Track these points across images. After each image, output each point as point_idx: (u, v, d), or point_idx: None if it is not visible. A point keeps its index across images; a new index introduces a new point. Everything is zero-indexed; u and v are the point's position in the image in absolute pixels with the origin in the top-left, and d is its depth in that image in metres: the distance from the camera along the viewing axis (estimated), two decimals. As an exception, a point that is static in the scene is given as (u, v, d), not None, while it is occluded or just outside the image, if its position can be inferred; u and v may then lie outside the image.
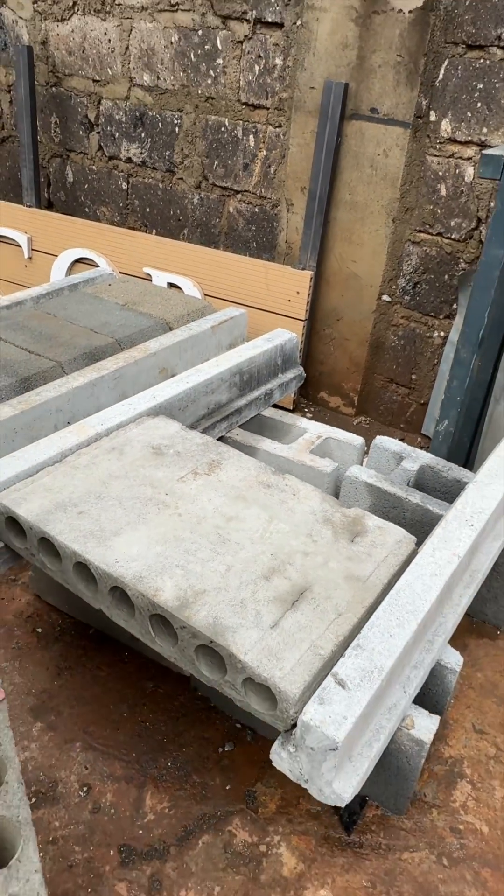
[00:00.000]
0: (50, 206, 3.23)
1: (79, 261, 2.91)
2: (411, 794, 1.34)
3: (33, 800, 1.31)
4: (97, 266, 2.84)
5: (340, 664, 1.10)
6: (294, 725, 1.06)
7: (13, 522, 1.37)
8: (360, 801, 1.36)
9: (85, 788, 1.34)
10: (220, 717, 1.50)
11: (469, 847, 1.31)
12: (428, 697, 1.34)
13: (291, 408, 2.70)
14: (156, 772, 1.39)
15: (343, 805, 1.06)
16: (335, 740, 0.99)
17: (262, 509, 1.41)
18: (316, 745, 1.01)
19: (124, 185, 2.96)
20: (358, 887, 1.23)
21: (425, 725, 1.22)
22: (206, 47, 2.46)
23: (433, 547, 1.34)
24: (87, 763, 1.39)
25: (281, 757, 1.08)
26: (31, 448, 1.54)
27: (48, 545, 1.33)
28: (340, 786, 1.05)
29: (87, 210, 3.13)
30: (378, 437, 1.94)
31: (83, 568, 1.28)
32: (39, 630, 1.68)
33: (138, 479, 1.46)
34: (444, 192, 2.19)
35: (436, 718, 1.24)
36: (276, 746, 1.09)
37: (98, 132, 2.93)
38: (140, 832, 1.28)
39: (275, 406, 2.25)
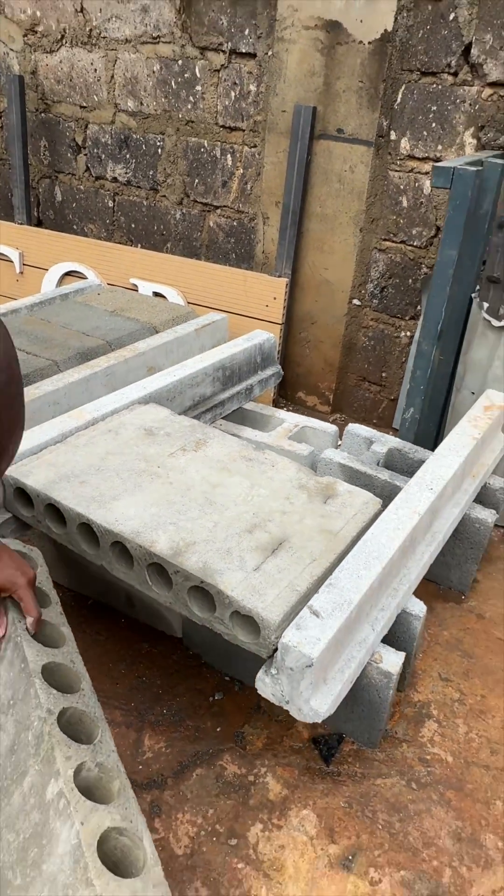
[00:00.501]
0: (39, 223, 3.41)
1: (68, 274, 3.09)
2: (383, 729, 1.49)
3: (42, 743, 1.44)
4: (86, 278, 3.02)
5: (315, 598, 1.26)
6: (275, 651, 1.22)
7: (21, 493, 1.52)
8: (337, 737, 1.50)
9: (88, 733, 1.48)
10: (211, 672, 1.65)
11: (435, 773, 1.46)
12: (396, 641, 1.49)
13: (271, 404, 2.87)
14: (153, 718, 1.53)
15: (320, 720, 1.21)
16: (311, 657, 1.15)
17: (245, 478, 1.58)
18: (294, 665, 1.17)
19: (110, 203, 3.16)
20: (336, 808, 1.37)
21: (392, 660, 1.38)
22: (186, 75, 2.68)
23: (396, 506, 1.52)
24: (89, 712, 1.52)
25: (264, 682, 1.24)
26: (36, 430, 1.70)
27: (54, 511, 1.48)
28: (317, 703, 1.21)
29: (75, 227, 3.31)
30: (350, 424, 2.12)
31: (86, 528, 1.44)
32: (41, 602, 1.82)
33: (133, 455, 1.63)
34: (405, 203, 2.40)
35: (401, 654, 1.39)
36: (260, 674, 1.25)
37: (85, 154, 3.13)
38: (140, 767, 1.42)
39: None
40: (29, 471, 1.54)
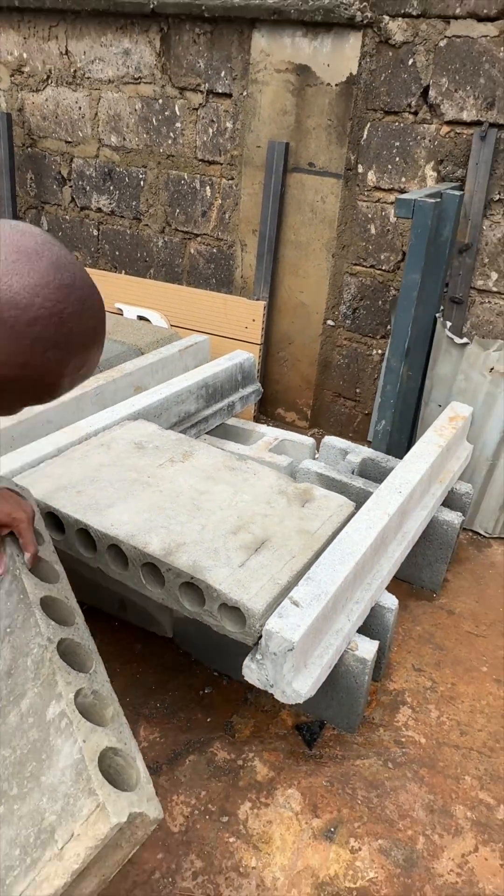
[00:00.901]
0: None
1: (55, 299, 3.21)
2: (361, 715, 1.61)
3: (44, 736, 1.55)
4: (72, 303, 3.15)
5: (294, 591, 1.39)
6: (260, 638, 1.34)
7: (21, 503, 1.64)
8: (319, 723, 1.62)
9: (87, 726, 1.58)
10: (201, 668, 1.76)
11: (410, 754, 1.58)
12: (370, 631, 1.62)
13: (252, 420, 3.01)
14: (147, 711, 1.64)
15: (301, 701, 1.33)
16: (292, 641, 1.27)
17: (229, 485, 1.71)
18: (277, 649, 1.29)
19: (95, 232, 3.30)
20: (319, 786, 1.49)
21: (367, 648, 1.50)
22: (166, 113, 2.85)
23: (368, 508, 1.65)
24: (87, 707, 1.63)
25: (251, 668, 1.36)
26: (34, 445, 1.82)
27: (53, 519, 1.60)
28: (299, 685, 1.33)
29: (60, 255, 3.45)
30: (327, 436, 2.26)
31: (84, 533, 1.55)
32: (38, 609, 1.92)
33: (125, 467, 1.75)
34: (373, 231, 2.57)
35: (375, 643, 1.52)
36: (246, 661, 1.37)
37: (70, 186, 3.28)
38: (136, 755, 1.53)
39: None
40: (29, 483, 1.65)
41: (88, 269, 3.19)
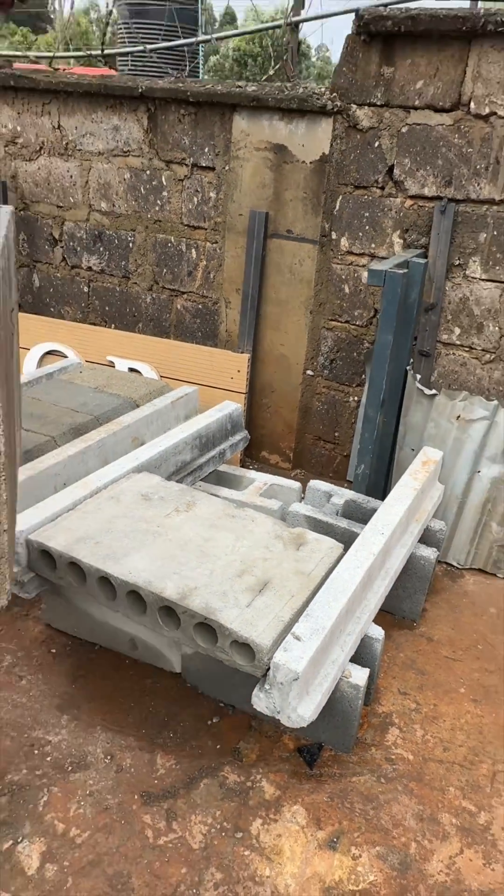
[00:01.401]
0: (18, 308, 3.74)
1: (49, 353, 3.40)
2: (355, 736, 1.80)
3: (69, 767, 1.70)
4: (66, 357, 3.34)
5: (296, 626, 1.58)
6: (267, 670, 1.53)
7: (45, 554, 1.81)
8: (317, 746, 1.80)
9: (108, 757, 1.74)
10: (207, 700, 1.93)
11: (399, 770, 1.77)
12: (361, 660, 1.81)
13: (238, 465, 3.21)
14: (162, 741, 1.80)
15: (305, 725, 1.52)
16: (297, 671, 1.46)
17: (230, 532, 1.90)
18: (284, 679, 1.48)
19: (85, 289, 3.51)
20: (321, 802, 1.67)
21: (359, 675, 1.70)
22: (154, 183, 3.09)
23: (355, 549, 1.86)
24: (107, 740, 1.79)
25: (259, 698, 1.54)
26: (49, 501, 2.00)
27: (74, 568, 1.77)
28: (303, 710, 1.52)
29: (52, 310, 3.65)
30: (312, 480, 2.47)
31: (104, 581, 1.73)
32: (54, 650, 2.08)
33: (135, 518, 1.93)
34: (347, 290, 2.82)
35: (366, 670, 1.72)
36: (255, 692, 1.55)
37: (62, 247, 3.50)
38: (155, 782, 1.69)
39: (225, 464, 2.76)
40: (50, 536, 1.83)
41: (78, 324, 3.40)
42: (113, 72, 5.61)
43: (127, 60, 5.28)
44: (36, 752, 1.74)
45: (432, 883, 1.50)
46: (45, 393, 2.85)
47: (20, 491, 2.07)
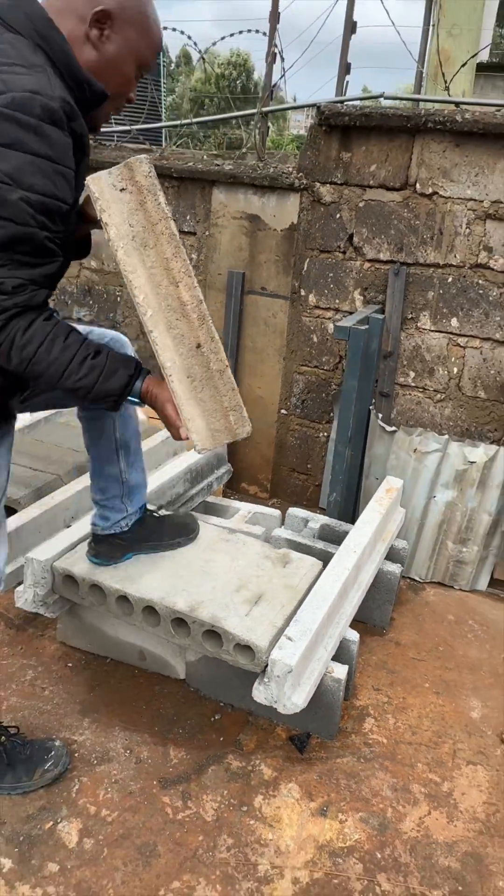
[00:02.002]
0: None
1: (43, 396, 3.69)
2: (337, 725, 2.12)
3: (95, 761, 1.98)
4: (60, 400, 3.63)
5: (287, 629, 1.90)
6: (266, 667, 1.84)
7: (69, 578, 2.11)
8: (306, 734, 2.12)
9: (128, 751, 2.02)
10: (209, 700, 2.23)
11: (376, 752, 2.09)
12: (341, 659, 2.13)
13: (221, 496, 3.53)
14: (172, 736, 2.09)
15: (298, 710, 1.84)
16: (291, 665, 1.78)
17: (226, 554, 2.22)
18: (280, 672, 1.80)
19: (76, 338, 3.83)
20: (311, 780, 1.98)
21: (340, 671, 2.02)
22: (140, 244, 3.45)
23: (333, 565, 2.20)
24: (126, 738, 2.07)
25: (259, 690, 1.85)
26: (66, 532, 2.29)
27: (96, 589, 2.07)
28: (296, 699, 1.83)
29: (43, 356, 3.95)
30: (291, 508, 2.81)
31: (123, 599, 2.03)
32: (70, 665, 2.35)
33: (143, 545, 2.24)
34: (315, 339, 3.21)
35: (345, 667, 2.04)
36: (255, 685, 1.86)
37: (53, 300, 3.81)
38: (170, 769, 1.98)
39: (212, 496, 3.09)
40: (73, 563, 2.12)
41: (70, 369, 3.70)
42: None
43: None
44: (65, 750, 2.01)
45: (406, 838, 1.82)
46: (46, 435, 3.15)
47: (35, 525, 2.36)
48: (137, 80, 1.47)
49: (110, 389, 1.47)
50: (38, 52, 1.29)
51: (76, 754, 1.99)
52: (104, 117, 1.48)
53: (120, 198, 1.45)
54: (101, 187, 1.43)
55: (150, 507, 2.22)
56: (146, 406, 1.59)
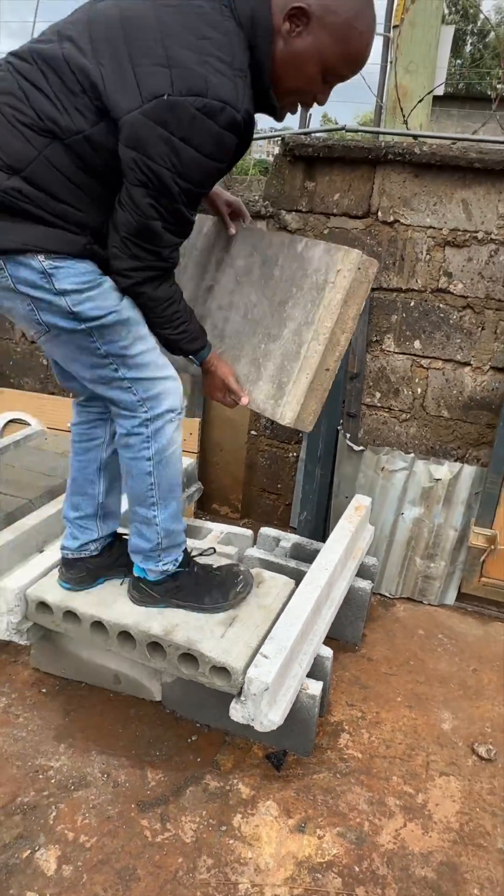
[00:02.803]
0: None
1: (11, 421, 3.69)
2: (313, 741, 2.15)
3: (72, 787, 1.97)
4: (29, 425, 3.64)
5: (263, 647, 1.93)
6: (241, 689, 1.87)
7: (42, 605, 2.11)
8: (283, 752, 2.14)
9: (105, 776, 2.02)
10: (186, 721, 2.24)
11: (351, 766, 2.13)
12: (315, 675, 2.17)
13: (192, 516, 3.56)
14: (150, 759, 2.10)
15: (275, 728, 1.86)
16: (267, 682, 1.81)
17: (201, 575, 2.25)
18: (256, 691, 1.83)
19: (44, 361, 3.84)
20: (289, 797, 2.00)
21: (315, 687, 2.05)
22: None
23: (305, 583, 2.24)
24: (102, 762, 2.07)
25: (236, 709, 1.88)
26: (39, 557, 2.29)
27: (70, 615, 2.07)
28: (273, 716, 1.86)
29: (12, 381, 3.95)
30: (263, 527, 2.86)
31: (98, 625, 2.04)
32: (44, 690, 2.34)
33: (117, 568, 2.26)
34: (283, 362, 3.28)
35: (320, 683, 2.08)
36: (232, 704, 1.88)
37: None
38: (148, 792, 1.98)
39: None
40: (45, 590, 2.13)
41: (38, 394, 3.71)
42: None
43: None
44: (41, 776, 2.00)
45: (383, 851, 1.85)
46: (16, 459, 3.14)
47: (6, 550, 2.36)
48: (327, 85, 1.55)
49: (187, 349, 1.81)
50: (246, 52, 1.43)
51: (52, 780, 1.99)
52: (286, 108, 1.60)
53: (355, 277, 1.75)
54: (351, 263, 1.76)
55: (121, 530, 2.24)
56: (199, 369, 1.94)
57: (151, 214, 1.47)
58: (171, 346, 1.79)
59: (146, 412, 1.78)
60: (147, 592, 2.06)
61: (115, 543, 2.20)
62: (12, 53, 1.48)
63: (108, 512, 2.14)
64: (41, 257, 1.51)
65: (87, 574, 2.14)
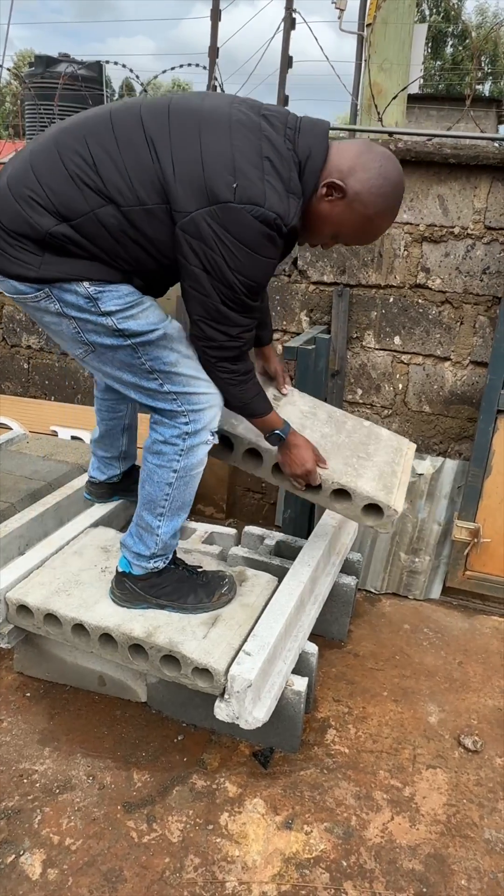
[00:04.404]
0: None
1: (-7, 426, 3.66)
2: (300, 738, 2.14)
3: (57, 790, 1.95)
4: (10, 429, 3.61)
5: (245, 645, 1.93)
6: (224, 691, 1.85)
7: (23, 608, 2.09)
8: (269, 749, 2.13)
9: (90, 778, 2.01)
10: (172, 721, 2.23)
11: (338, 761, 2.12)
12: (300, 672, 2.16)
13: (177, 519, 3.55)
14: (135, 760, 2.08)
15: (260, 725, 1.86)
16: (250, 679, 1.81)
17: (184, 574, 2.24)
18: (240, 688, 1.82)
19: (25, 366, 3.82)
20: (276, 794, 1.99)
21: (300, 683, 2.05)
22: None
23: (288, 579, 2.24)
24: (87, 764, 2.05)
25: (220, 708, 1.87)
26: (20, 560, 2.27)
27: (51, 618, 2.06)
28: (257, 713, 1.85)
29: (-8, 385, 3.93)
30: (247, 526, 2.85)
31: (79, 627, 2.02)
32: (28, 694, 2.32)
33: (98, 569, 2.24)
34: (264, 360, 3.27)
35: (305, 679, 2.08)
36: (217, 703, 1.87)
37: (2, 328, 3.80)
38: (134, 793, 1.97)
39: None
40: (26, 592, 2.11)
41: (19, 398, 3.69)
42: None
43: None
44: (25, 780, 1.98)
45: (370, 845, 1.85)
46: (-3, 464, 3.12)
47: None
48: (330, 242, 1.80)
49: (258, 410, 1.96)
50: (294, 183, 1.59)
51: (37, 784, 1.97)
52: (303, 240, 1.84)
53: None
54: (412, 448, 2.47)
55: (137, 463, 2.57)
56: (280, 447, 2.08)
57: (216, 297, 1.63)
58: (246, 409, 1.94)
59: (187, 424, 1.86)
60: (129, 590, 2.06)
61: (133, 472, 2.56)
62: (89, 116, 1.65)
63: (129, 455, 2.51)
64: (86, 284, 1.66)
65: (107, 492, 2.58)
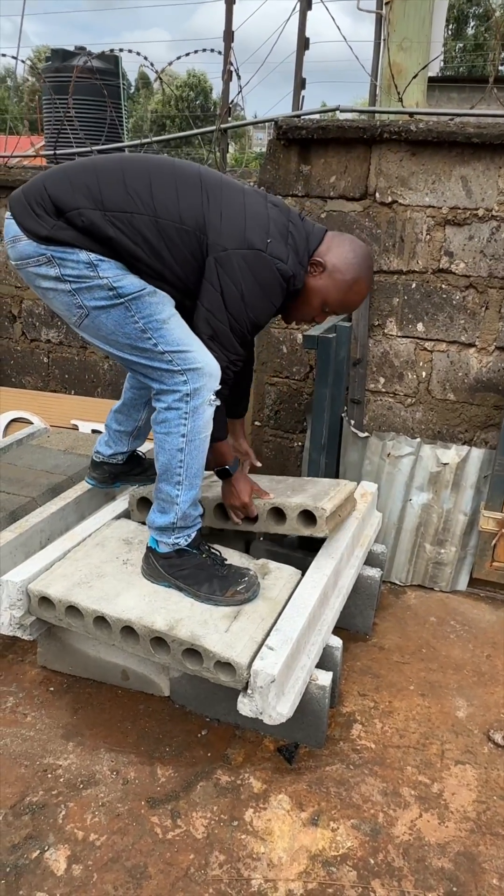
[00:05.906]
0: None
1: (14, 420, 3.67)
2: (325, 733, 2.11)
3: (81, 785, 1.94)
4: (31, 423, 3.61)
5: (268, 639, 1.89)
6: (247, 685, 1.83)
7: (45, 600, 2.08)
8: (294, 745, 2.10)
9: (114, 773, 1.99)
10: (196, 716, 2.21)
11: (365, 757, 2.09)
12: (325, 666, 2.13)
13: (199, 511, 3.52)
14: (159, 755, 2.07)
15: (284, 720, 1.82)
16: (273, 674, 1.77)
17: (205, 568, 2.21)
18: (263, 683, 1.79)
19: (45, 360, 3.81)
20: (301, 790, 1.96)
21: (324, 677, 2.01)
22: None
23: (311, 572, 2.20)
24: (111, 759, 2.04)
25: (244, 703, 1.84)
26: (41, 553, 2.27)
27: (72, 610, 2.04)
28: (281, 708, 1.82)
29: (13, 380, 3.93)
30: (268, 518, 2.81)
31: (101, 620, 2.01)
32: (52, 689, 2.32)
33: (120, 561, 2.23)
34: (285, 350, 3.23)
35: (330, 673, 2.04)
36: (240, 698, 1.85)
37: (21, 322, 3.80)
38: (158, 789, 1.95)
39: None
40: (48, 584, 2.10)
41: (39, 392, 3.68)
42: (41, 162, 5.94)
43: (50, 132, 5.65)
44: (49, 775, 1.97)
45: (398, 842, 1.81)
46: (18, 458, 3.12)
47: (10, 548, 2.33)
48: (323, 314, 2.11)
49: (220, 435, 2.13)
50: (304, 259, 1.98)
51: (61, 779, 1.96)
52: (292, 317, 2.17)
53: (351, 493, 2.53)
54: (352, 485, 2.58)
55: (140, 451, 2.61)
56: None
57: (226, 321, 1.91)
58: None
59: (186, 384, 1.91)
60: (153, 566, 2.14)
61: (135, 458, 2.57)
62: (151, 159, 1.94)
63: (140, 434, 2.51)
64: (88, 251, 1.81)
65: (108, 476, 2.54)
